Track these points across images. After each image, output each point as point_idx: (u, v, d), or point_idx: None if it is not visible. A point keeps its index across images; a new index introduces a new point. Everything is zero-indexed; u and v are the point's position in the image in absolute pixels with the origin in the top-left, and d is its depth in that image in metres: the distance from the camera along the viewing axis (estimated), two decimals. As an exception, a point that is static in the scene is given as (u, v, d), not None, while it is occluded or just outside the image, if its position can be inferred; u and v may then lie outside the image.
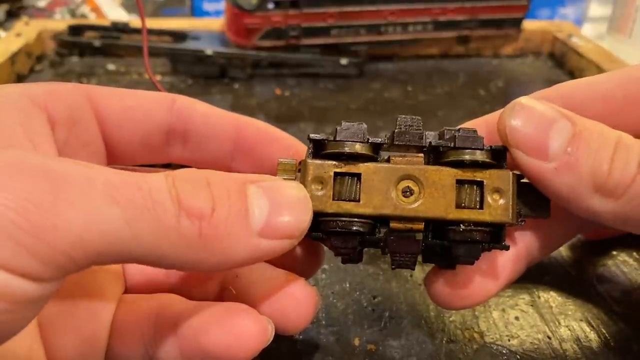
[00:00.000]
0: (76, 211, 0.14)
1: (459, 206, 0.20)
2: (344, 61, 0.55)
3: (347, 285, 0.29)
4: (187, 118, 0.24)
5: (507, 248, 0.21)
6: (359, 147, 0.20)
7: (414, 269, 0.21)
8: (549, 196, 0.21)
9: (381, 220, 0.20)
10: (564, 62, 0.60)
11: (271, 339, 0.20)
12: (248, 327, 0.20)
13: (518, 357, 0.25)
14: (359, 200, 0.20)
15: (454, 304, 0.23)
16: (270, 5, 0.52)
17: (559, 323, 0.27)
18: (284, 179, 0.20)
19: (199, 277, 0.23)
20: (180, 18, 0.70)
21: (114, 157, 0.23)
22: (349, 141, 0.20)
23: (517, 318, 0.27)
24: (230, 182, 0.17)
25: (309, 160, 0.20)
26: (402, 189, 0.20)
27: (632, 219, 0.20)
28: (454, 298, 0.23)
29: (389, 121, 0.22)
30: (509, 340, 0.26)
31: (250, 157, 0.24)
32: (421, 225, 0.20)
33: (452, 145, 0.20)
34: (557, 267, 0.31)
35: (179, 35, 0.57)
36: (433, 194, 0.20)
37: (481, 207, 0.20)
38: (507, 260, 0.23)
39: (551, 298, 0.29)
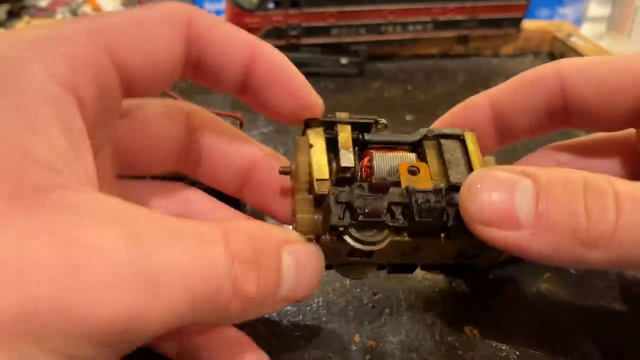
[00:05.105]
0: (162, 309, 0.16)
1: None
2: (344, 60, 0.56)
3: (348, 282, 0.29)
4: (202, 47, 0.24)
5: None
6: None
7: (440, 225, 0.21)
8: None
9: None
10: (563, 62, 0.61)
11: None
12: None
13: (517, 354, 0.25)
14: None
15: None
16: (271, 5, 0.53)
17: (558, 322, 0.27)
18: (307, 238, 0.21)
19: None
20: (180, 18, 0.70)
21: (130, 90, 0.22)
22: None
23: (516, 316, 0.27)
24: (270, 245, 0.19)
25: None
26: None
27: (630, 262, 0.19)
28: None
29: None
30: (508, 338, 0.26)
31: (258, 98, 0.24)
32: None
33: None
34: (557, 266, 0.31)
35: (179, 35, 0.57)
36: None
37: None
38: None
39: (550, 297, 0.29)
